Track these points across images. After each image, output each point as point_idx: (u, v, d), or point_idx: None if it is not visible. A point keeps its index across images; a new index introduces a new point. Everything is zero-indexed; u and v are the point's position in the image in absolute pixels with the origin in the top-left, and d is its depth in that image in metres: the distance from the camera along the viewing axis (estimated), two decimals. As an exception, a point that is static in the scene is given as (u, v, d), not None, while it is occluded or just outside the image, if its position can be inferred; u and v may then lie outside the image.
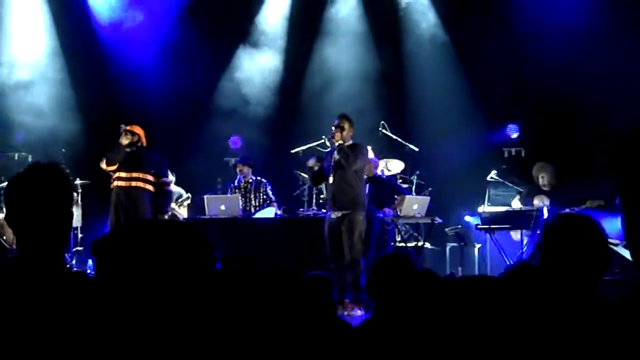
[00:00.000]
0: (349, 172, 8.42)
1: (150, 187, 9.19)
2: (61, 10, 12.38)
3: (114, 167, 9.13)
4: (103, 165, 9.17)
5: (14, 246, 10.26)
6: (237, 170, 10.65)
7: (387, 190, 9.98)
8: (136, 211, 9.04)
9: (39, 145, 11.66)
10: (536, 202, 10.04)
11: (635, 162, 2.13)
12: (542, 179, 10.22)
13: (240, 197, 10.28)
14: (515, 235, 9.90)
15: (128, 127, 9.21)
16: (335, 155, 8.53)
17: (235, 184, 10.64)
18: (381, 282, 3.48)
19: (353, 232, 8.29)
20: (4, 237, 10.08)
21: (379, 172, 10.41)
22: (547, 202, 10.00)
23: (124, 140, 9.11)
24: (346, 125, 8.53)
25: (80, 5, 12.45)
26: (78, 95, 12.26)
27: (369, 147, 10.03)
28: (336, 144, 8.53)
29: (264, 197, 10.44)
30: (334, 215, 8.45)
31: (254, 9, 13.17)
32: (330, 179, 8.57)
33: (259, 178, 10.59)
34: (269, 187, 10.54)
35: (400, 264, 3.61)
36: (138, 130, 9.27)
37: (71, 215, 2.43)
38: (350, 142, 8.60)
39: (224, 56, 12.92)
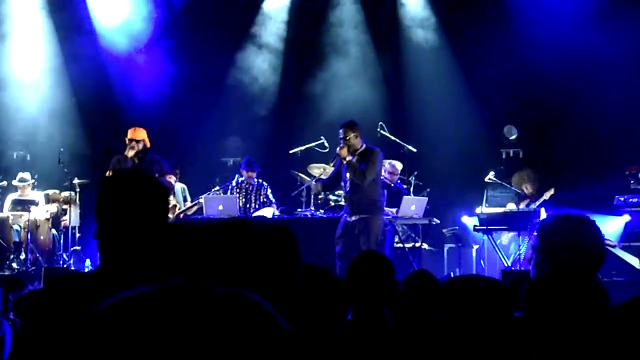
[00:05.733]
0: (366, 180, 8.36)
1: None
2: (60, 14, 12.33)
3: None
4: None
5: (12, 246, 10.30)
6: (245, 174, 10.58)
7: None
8: None
9: (38, 144, 11.66)
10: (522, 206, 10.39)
11: None
12: (527, 189, 10.63)
13: (239, 197, 10.30)
14: (505, 239, 10.02)
15: (130, 136, 9.07)
16: (351, 159, 8.43)
17: (234, 184, 10.64)
18: (357, 282, 3.41)
19: (370, 235, 8.25)
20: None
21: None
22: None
23: (130, 152, 9.00)
24: (351, 135, 8.40)
25: (78, 8, 12.40)
26: (76, 94, 12.23)
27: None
28: (347, 159, 8.42)
29: (264, 199, 10.44)
30: (350, 218, 8.42)
31: (253, 10, 13.16)
32: (348, 186, 8.50)
33: (260, 181, 10.58)
34: (270, 189, 10.54)
35: (377, 263, 3.54)
36: (141, 135, 9.13)
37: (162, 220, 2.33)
38: (363, 147, 8.50)
39: (222, 57, 12.90)
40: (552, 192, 10.43)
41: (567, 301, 2.26)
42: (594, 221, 2.88)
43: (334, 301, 2.93)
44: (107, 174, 9.15)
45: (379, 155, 8.59)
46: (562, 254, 2.77)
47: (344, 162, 8.46)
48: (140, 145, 9.08)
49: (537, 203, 10.41)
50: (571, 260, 2.74)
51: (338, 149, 8.53)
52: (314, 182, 8.87)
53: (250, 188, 10.51)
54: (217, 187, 10.79)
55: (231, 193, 10.46)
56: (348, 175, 8.46)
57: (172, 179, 9.34)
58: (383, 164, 9.29)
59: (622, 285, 8.30)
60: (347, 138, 8.39)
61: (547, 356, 1.46)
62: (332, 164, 9.33)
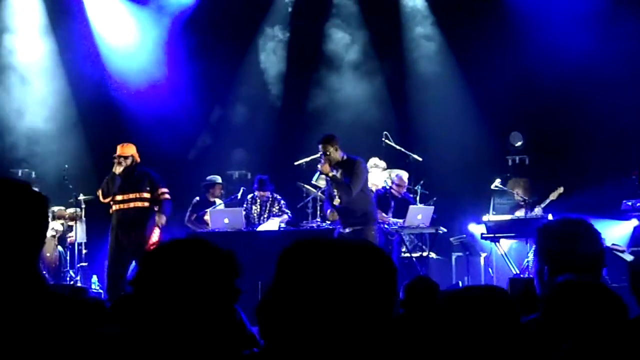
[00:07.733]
0: (353, 193, 8.29)
1: (148, 205, 9.10)
2: (65, 34, 12.32)
3: (110, 198, 9.04)
4: (100, 198, 9.11)
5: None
6: (257, 194, 10.54)
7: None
8: (138, 230, 8.98)
9: (43, 161, 11.65)
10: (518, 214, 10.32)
11: None
12: (517, 195, 10.52)
13: (254, 209, 10.29)
14: (505, 247, 9.96)
15: (119, 152, 9.03)
16: (334, 173, 8.39)
17: (246, 196, 10.62)
18: None
19: None
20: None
21: (382, 185, 10.43)
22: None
23: (118, 169, 8.97)
24: (330, 149, 8.31)
25: (82, 26, 12.40)
26: (81, 111, 12.24)
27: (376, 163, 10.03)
28: (330, 175, 8.36)
29: (279, 213, 10.39)
30: (344, 230, 8.37)
31: (256, 22, 13.18)
32: (337, 200, 8.44)
33: (275, 195, 10.56)
34: (284, 201, 10.50)
35: None
36: (129, 150, 9.09)
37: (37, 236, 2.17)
38: (344, 157, 8.40)
39: (226, 70, 12.90)
40: (560, 190, 10.19)
41: (586, 311, 2.19)
42: (591, 223, 2.81)
43: None
44: (98, 193, 9.17)
45: (362, 165, 8.48)
46: (560, 258, 2.71)
47: (328, 177, 8.40)
48: (129, 161, 9.04)
49: (543, 205, 10.26)
50: (570, 264, 2.67)
51: (319, 166, 8.45)
52: (329, 212, 8.77)
53: (265, 198, 10.47)
54: (236, 196, 10.81)
55: (249, 205, 10.41)
56: (335, 190, 8.41)
57: (164, 192, 9.27)
58: (369, 173, 9.20)
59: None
60: (328, 153, 8.31)
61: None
62: (315, 181, 9.40)
